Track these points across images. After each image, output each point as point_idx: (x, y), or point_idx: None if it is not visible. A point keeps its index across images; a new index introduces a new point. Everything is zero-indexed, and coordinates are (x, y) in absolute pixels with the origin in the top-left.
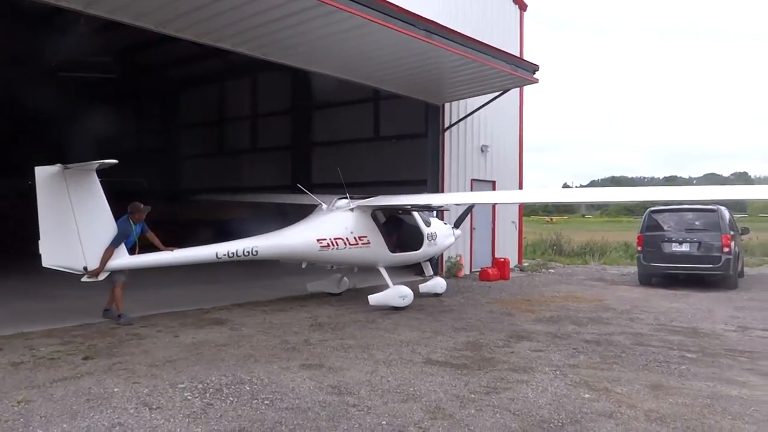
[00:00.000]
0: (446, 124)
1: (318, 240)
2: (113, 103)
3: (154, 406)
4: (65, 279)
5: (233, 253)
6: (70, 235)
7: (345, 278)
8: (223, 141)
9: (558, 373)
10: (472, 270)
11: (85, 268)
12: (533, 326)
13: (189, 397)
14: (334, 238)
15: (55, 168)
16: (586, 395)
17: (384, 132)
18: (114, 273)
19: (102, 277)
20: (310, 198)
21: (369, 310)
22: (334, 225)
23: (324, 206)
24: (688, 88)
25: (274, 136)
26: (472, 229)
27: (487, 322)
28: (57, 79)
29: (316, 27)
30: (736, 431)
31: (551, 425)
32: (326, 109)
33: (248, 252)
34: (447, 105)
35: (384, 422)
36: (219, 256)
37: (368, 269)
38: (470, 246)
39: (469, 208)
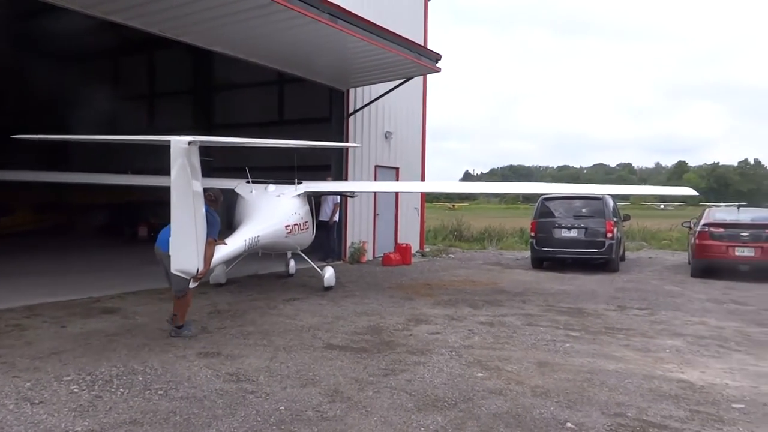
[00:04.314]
0: (350, 110)
1: (285, 226)
2: None
3: (37, 401)
4: None
5: (252, 242)
6: (191, 229)
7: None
8: (117, 121)
9: (453, 354)
10: (375, 255)
11: (197, 271)
12: (432, 310)
13: (76, 390)
14: (294, 224)
15: (185, 141)
16: (479, 374)
17: (288, 116)
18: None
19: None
20: (214, 181)
21: (270, 297)
22: (291, 211)
23: (253, 191)
24: (579, 82)
25: (173, 117)
26: (375, 215)
27: (387, 307)
28: None
29: (215, 5)
30: (611, 401)
31: (445, 404)
32: (228, 90)
33: (255, 240)
34: (352, 90)
35: (282, 407)
36: (245, 246)
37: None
38: (373, 232)
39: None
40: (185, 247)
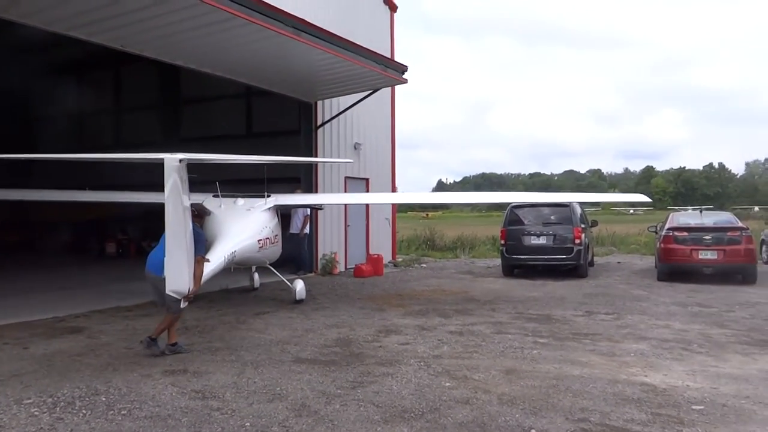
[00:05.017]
0: (319, 122)
1: (258, 240)
2: None
3: None
4: None
5: (229, 258)
6: (183, 247)
7: None
8: (84, 135)
9: (422, 364)
10: (347, 267)
11: (189, 290)
12: (402, 320)
13: (36, 413)
14: (265, 238)
15: (177, 159)
16: (447, 384)
17: (257, 128)
18: None
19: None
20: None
21: (239, 311)
22: (262, 225)
23: (222, 206)
24: (549, 90)
25: (141, 132)
26: (346, 226)
27: (358, 318)
28: None
29: (177, 20)
30: (576, 407)
31: (412, 414)
32: (196, 104)
33: (232, 256)
34: (320, 102)
35: (248, 424)
36: (225, 263)
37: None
38: (345, 243)
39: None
40: (178, 266)
